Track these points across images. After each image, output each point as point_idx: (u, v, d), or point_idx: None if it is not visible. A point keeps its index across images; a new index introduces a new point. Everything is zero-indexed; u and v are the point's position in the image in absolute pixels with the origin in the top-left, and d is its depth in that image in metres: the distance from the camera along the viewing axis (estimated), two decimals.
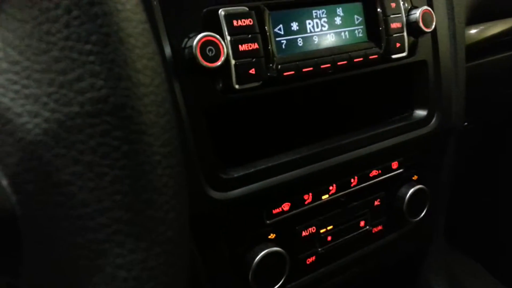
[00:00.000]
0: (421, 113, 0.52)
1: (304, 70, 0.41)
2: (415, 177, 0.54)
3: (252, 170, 0.40)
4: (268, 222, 0.43)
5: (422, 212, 0.53)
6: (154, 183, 0.21)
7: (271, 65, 0.40)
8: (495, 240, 1.36)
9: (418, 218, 0.53)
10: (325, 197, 0.46)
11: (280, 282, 0.43)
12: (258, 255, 0.42)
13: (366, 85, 0.50)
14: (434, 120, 0.52)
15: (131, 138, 0.20)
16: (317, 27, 0.43)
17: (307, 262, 0.47)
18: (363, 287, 0.61)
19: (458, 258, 1.45)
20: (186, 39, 0.36)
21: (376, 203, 0.51)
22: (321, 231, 0.47)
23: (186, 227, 0.23)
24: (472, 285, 1.37)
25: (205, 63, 0.35)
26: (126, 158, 0.20)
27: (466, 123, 1.04)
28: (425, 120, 0.52)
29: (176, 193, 0.22)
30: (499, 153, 1.21)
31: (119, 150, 0.20)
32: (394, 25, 0.46)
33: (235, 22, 0.37)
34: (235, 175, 0.39)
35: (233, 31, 0.37)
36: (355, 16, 0.45)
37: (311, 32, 0.42)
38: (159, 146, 0.21)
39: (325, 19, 0.43)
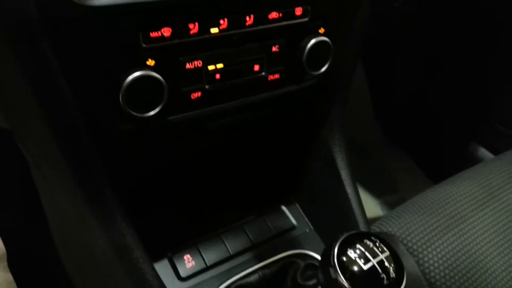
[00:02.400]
0: None
1: None
2: (321, 30, 0.52)
3: None
4: (144, 45, 0.41)
5: (324, 66, 0.53)
6: None
7: None
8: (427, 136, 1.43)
9: (319, 72, 0.53)
10: (214, 30, 0.44)
11: (157, 109, 0.43)
12: (131, 76, 0.41)
13: None
14: None
15: None
16: None
17: (192, 97, 0.46)
18: (260, 139, 0.62)
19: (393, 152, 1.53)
20: None
21: (274, 49, 0.49)
22: (209, 67, 0.46)
23: None
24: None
25: None
26: None
27: None
28: None
29: None
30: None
31: None
32: None
33: None
34: None
35: None
36: None
37: None
38: None
39: None
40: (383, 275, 0.37)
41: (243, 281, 0.56)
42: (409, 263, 0.67)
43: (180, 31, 0.42)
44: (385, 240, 0.40)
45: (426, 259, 0.67)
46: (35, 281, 0.74)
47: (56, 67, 0.38)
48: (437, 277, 0.65)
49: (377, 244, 0.39)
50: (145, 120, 0.43)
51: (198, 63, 0.45)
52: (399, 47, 1.32)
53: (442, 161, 1.36)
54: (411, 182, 1.42)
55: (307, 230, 0.65)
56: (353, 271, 0.37)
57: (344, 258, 0.38)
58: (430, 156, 1.45)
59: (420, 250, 0.68)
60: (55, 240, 0.59)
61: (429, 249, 0.68)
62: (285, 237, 0.64)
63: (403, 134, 1.50)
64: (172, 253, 0.59)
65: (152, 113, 0.43)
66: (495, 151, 1.16)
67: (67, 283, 0.60)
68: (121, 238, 0.45)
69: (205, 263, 0.58)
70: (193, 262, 0.58)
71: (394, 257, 0.39)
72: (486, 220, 0.74)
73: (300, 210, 0.67)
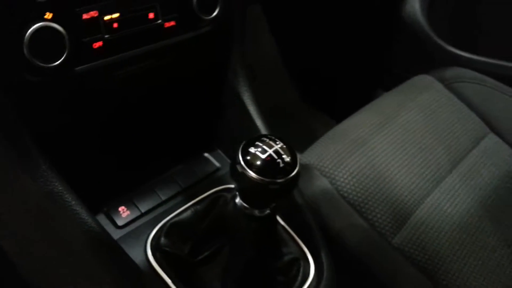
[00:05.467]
0: None
1: None
2: None
3: None
4: (39, 0, 0.45)
5: (215, 11, 0.59)
6: None
7: None
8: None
9: (211, 17, 0.59)
10: None
11: (61, 59, 0.47)
12: (31, 28, 0.44)
13: None
14: None
15: None
16: None
17: (94, 47, 0.51)
18: (172, 89, 0.68)
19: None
20: None
21: None
22: (105, 17, 0.51)
23: None
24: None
25: None
26: None
27: None
28: None
29: None
30: None
31: None
32: None
33: None
34: None
35: None
36: None
37: None
38: None
39: None
40: (279, 160, 0.44)
41: (177, 219, 0.61)
42: (323, 184, 0.76)
43: None
44: (282, 137, 0.48)
45: (337, 178, 0.76)
46: None
47: None
48: (349, 191, 0.75)
49: (273, 139, 0.46)
50: (51, 70, 0.47)
51: (94, 13, 0.49)
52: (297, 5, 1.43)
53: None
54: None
55: None
56: (255, 162, 0.44)
57: (247, 155, 0.45)
58: (345, 111, 1.58)
59: (331, 171, 0.77)
60: None
61: (339, 169, 0.77)
62: (211, 178, 0.70)
63: (319, 94, 1.62)
64: (107, 208, 0.62)
65: (57, 63, 0.47)
66: None
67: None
68: (50, 185, 0.49)
69: (140, 211, 0.63)
70: (128, 212, 0.62)
71: (289, 148, 0.46)
72: (385, 140, 0.85)
73: (222, 154, 0.73)
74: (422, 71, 1.10)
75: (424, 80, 1.04)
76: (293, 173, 0.44)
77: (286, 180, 0.44)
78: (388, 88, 1.40)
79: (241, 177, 0.44)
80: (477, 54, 1.21)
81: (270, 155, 0.44)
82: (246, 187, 0.45)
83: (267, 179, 0.43)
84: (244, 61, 0.67)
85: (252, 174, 0.44)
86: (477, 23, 1.28)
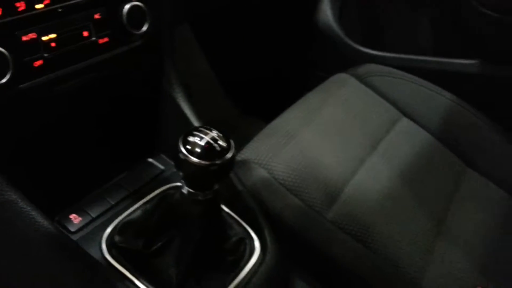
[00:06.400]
0: None
1: None
2: None
3: None
4: None
5: (144, 26, 0.66)
6: None
7: None
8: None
9: (142, 31, 0.66)
10: (39, 6, 0.54)
11: (6, 78, 0.51)
12: None
13: None
14: None
15: None
16: None
17: (35, 65, 0.55)
18: (112, 101, 0.73)
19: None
20: None
21: (97, 16, 0.61)
22: (43, 38, 0.56)
23: None
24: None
25: None
26: None
27: None
28: None
29: None
30: None
31: None
32: None
33: None
34: None
35: None
36: None
37: None
38: None
39: None
40: (215, 145, 0.51)
41: (129, 218, 0.66)
42: (262, 174, 0.84)
43: (9, 9, 0.51)
44: (218, 127, 0.55)
45: (274, 167, 0.84)
46: None
47: None
48: (285, 177, 0.83)
49: (209, 128, 0.53)
50: None
51: (33, 35, 0.54)
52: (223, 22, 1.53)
53: None
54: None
55: (175, 170, 0.77)
56: (194, 149, 0.51)
57: (188, 144, 0.52)
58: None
59: (268, 163, 0.85)
60: None
61: (275, 160, 0.86)
62: (157, 180, 0.75)
63: (255, 103, 1.72)
64: (58, 217, 0.66)
65: (2, 81, 0.51)
66: None
67: None
68: (4, 194, 0.52)
69: (91, 216, 0.66)
70: (80, 218, 0.66)
71: (224, 135, 0.53)
72: (312, 132, 0.96)
73: (165, 158, 0.79)
74: (340, 70, 1.23)
75: (341, 77, 1.17)
76: (229, 155, 0.52)
77: (223, 161, 0.51)
78: (312, 88, 1.54)
79: (184, 163, 0.51)
80: (385, 51, 1.37)
81: (207, 142, 0.51)
82: (189, 172, 0.52)
83: (207, 162, 0.50)
84: (176, 69, 0.74)
85: (193, 159, 0.50)
86: (381, 25, 1.45)
